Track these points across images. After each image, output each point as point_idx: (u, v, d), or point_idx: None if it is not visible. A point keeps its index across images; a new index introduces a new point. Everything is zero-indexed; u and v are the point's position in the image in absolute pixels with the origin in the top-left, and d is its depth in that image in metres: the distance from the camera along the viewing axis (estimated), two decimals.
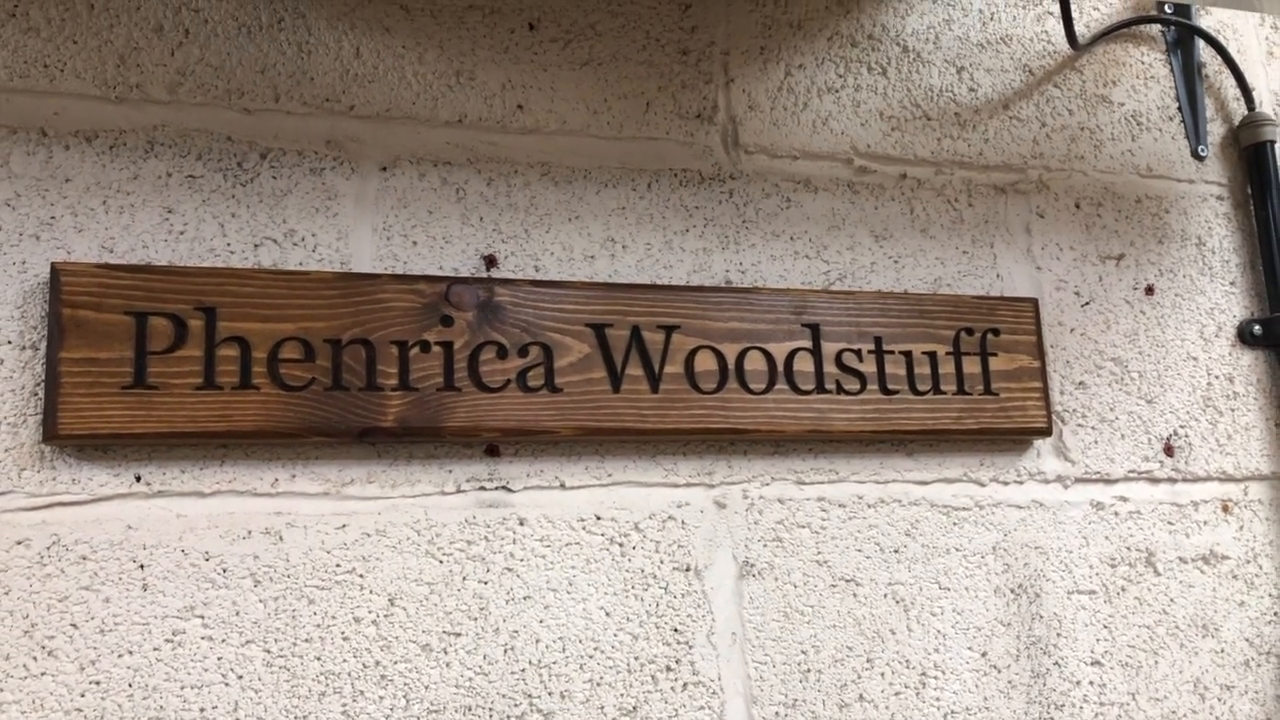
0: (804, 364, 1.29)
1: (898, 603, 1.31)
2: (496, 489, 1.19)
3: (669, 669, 1.21)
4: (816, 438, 1.30)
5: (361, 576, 1.13)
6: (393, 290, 1.16)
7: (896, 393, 1.32)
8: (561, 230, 1.28)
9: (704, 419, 1.24)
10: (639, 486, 1.24)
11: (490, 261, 1.24)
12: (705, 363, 1.25)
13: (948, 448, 1.38)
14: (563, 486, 1.22)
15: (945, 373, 1.35)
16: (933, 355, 1.35)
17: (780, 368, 1.28)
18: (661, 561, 1.23)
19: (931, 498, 1.36)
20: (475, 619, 1.15)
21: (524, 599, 1.18)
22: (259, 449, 1.12)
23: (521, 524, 1.19)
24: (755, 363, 1.27)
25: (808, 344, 1.30)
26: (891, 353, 1.33)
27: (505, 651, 1.16)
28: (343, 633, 1.11)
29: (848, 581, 1.30)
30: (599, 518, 1.22)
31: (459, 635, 1.14)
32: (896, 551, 1.33)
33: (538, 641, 1.17)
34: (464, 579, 1.16)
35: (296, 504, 1.12)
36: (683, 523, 1.25)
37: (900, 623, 1.31)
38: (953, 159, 1.48)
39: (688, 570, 1.24)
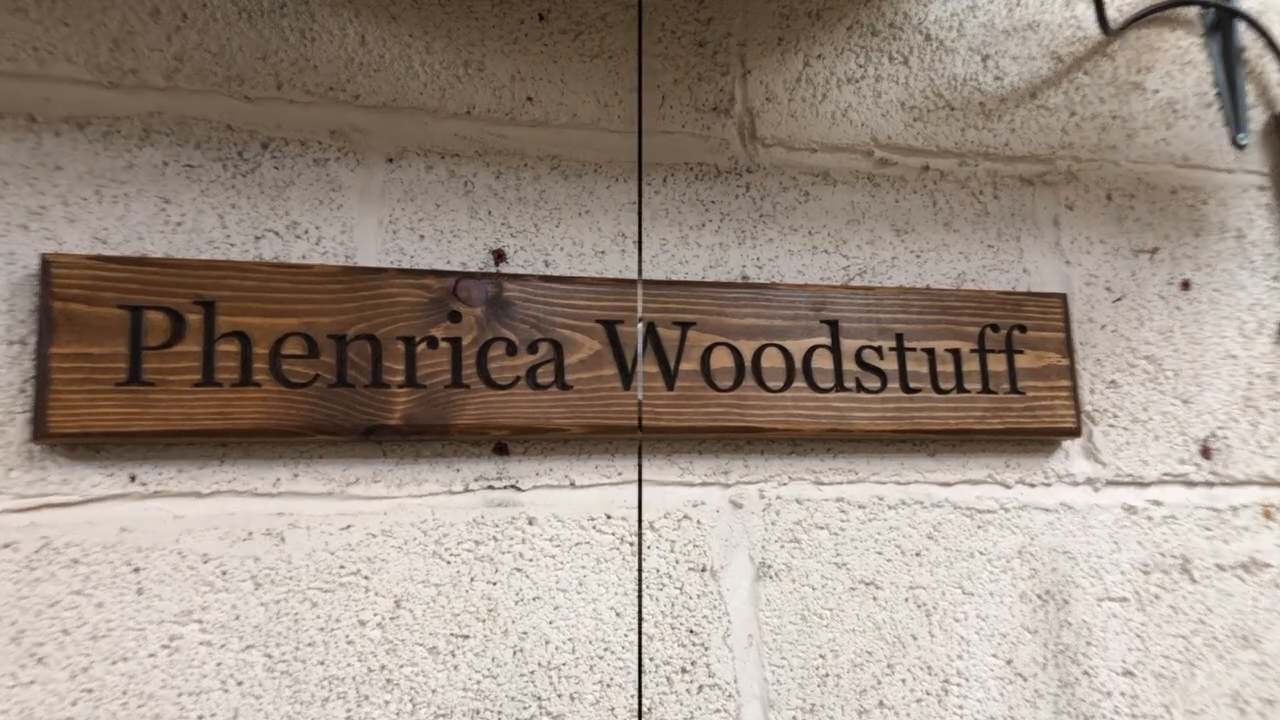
0: (823, 361, 1.27)
1: (919, 607, 1.28)
2: (505, 488, 1.17)
3: (684, 671, 1.19)
4: (835, 437, 1.28)
5: (367, 578, 1.10)
6: (399, 285, 1.14)
7: (919, 391, 1.29)
8: (572, 225, 1.25)
9: (720, 417, 1.22)
10: (653, 485, 1.22)
11: (499, 256, 1.22)
12: (721, 360, 1.23)
13: (972, 448, 1.34)
14: (573, 485, 1.19)
15: (969, 371, 1.32)
16: (956, 353, 1.32)
17: (798, 365, 1.25)
18: (676, 562, 1.21)
19: (955, 499, 1.32)
20: (483, 620, 1.13)
21: (533, 600, 1.15)
22: (260, 448, 1.10)
23: (531, 523, 1.17)
24: (773, 360, 1.25)
25: (827, 341, 1.27)
26: (913, 350, 1.30)
27: (514, 653, 1.14)
28: (347, 636, 1.09)
29: (867, 584, 1.27)
30: (610, 517, 1.20)
31: (467, 637, 1.12)
32: (918, 554, 1.30)
33: (547, 643, 1.15)
34: (472, 580, 1.14)
35: (299, 504, 1.10)
36: (698, 522, 1.23)
37: (922, 628, 1.28)
38: (977, 150, 1.44)
39: (703, 571, 1.22)
